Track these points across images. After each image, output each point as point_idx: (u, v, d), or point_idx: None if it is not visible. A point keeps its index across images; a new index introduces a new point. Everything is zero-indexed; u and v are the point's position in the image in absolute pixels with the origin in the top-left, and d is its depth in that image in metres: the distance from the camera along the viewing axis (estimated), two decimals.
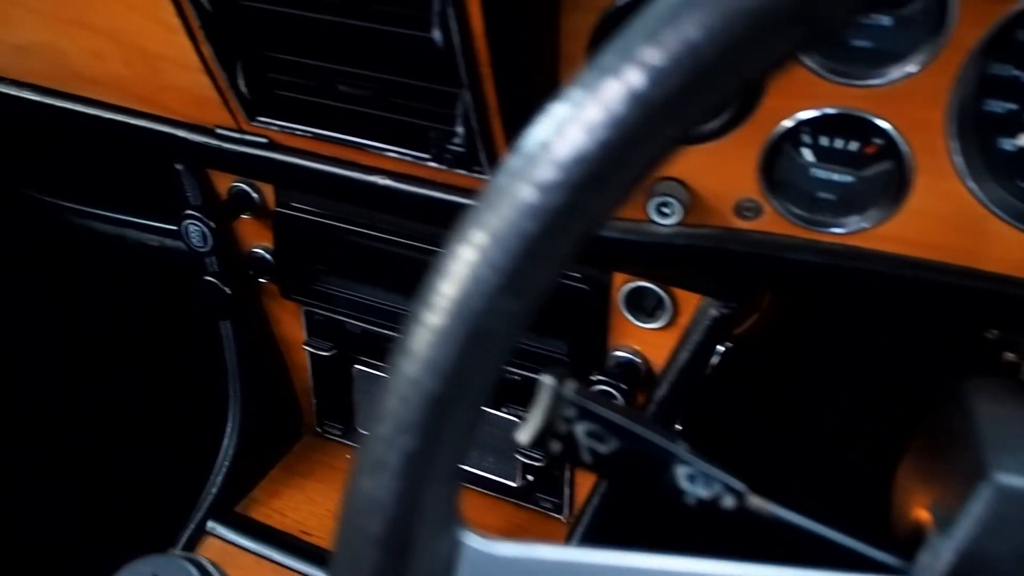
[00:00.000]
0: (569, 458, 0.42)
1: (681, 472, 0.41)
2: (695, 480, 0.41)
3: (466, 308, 0.34)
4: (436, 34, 0.72)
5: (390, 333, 1.10)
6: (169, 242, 1.29)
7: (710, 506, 0.41)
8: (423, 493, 0.37)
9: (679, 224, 0.78)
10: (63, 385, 1.59)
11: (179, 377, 1.43)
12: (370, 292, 1.09)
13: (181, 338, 1.41)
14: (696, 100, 0.33)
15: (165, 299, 1.39)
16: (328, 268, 1.10)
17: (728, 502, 0.41)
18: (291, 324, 1.18)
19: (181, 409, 1.41)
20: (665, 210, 0.78)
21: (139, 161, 1.19)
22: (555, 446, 0.41)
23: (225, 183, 1.10)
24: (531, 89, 0.73)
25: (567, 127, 0.33)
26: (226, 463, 1.17)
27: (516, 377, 1.07)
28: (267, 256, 1.12)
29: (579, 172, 0.33)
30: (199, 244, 1.06)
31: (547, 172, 0.33)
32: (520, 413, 1.09)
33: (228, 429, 1.18)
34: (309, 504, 1.19)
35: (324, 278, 1.11)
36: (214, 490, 1.16)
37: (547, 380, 0.41)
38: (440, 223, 0.92)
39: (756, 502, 0.42)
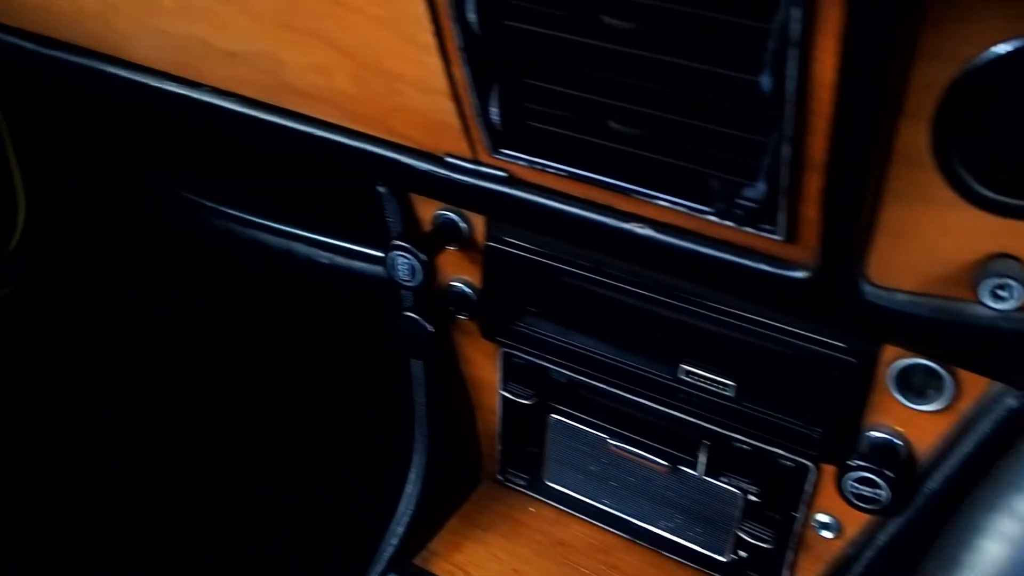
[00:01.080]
0: None
1: None
2: None
3: None
4: (765, 80, 0.61)
5: (599, 385, 0.99)
6: (358, 265, 1.21)
7: None
8: None
9: (1017, 309, 0.66)
10: (240, 412, 1.54)
11: (358, 413, 1.35)
12: (582, 339, 0.99)
13: (363, 371, 1.32)
14: None
15: (348, 327, 1.31)
16: (537, 310, 1.00)
17: None
18: (484, 365, 1.08)
19: (359, 448, 1.33)
20: (1002, 293, 0.66)
21: (332, 180, 1.10)
22: None
23: (428, 210, 1.00)
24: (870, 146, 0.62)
25: None
26: (408, 511, 1.08)
27: (745, 446, 0.95)
28: (468, 291, 1.02)
29: None
30: (405, 278, 0.96)
31: None
32: (742, 484, 0.97)
33: (412, 475, 1.09)
34: (493, 561, 1.09)
35: (531, 320, 1.01)
36: (395, 540, 1.07)
37: None
38: (701, 280, 0.82)
39: None
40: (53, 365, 1.80)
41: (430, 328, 0.99)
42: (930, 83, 0.60)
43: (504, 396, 1.07)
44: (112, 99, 1.10)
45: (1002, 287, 0.66)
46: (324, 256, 1.32)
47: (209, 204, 1.49)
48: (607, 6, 0.66)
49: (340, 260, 1.31)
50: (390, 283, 1.00)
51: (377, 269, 1.24)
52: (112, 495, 1.64)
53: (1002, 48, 0.55)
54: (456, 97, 0.78)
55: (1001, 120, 0.57)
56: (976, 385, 0.82)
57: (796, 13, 0.56)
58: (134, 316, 1.81)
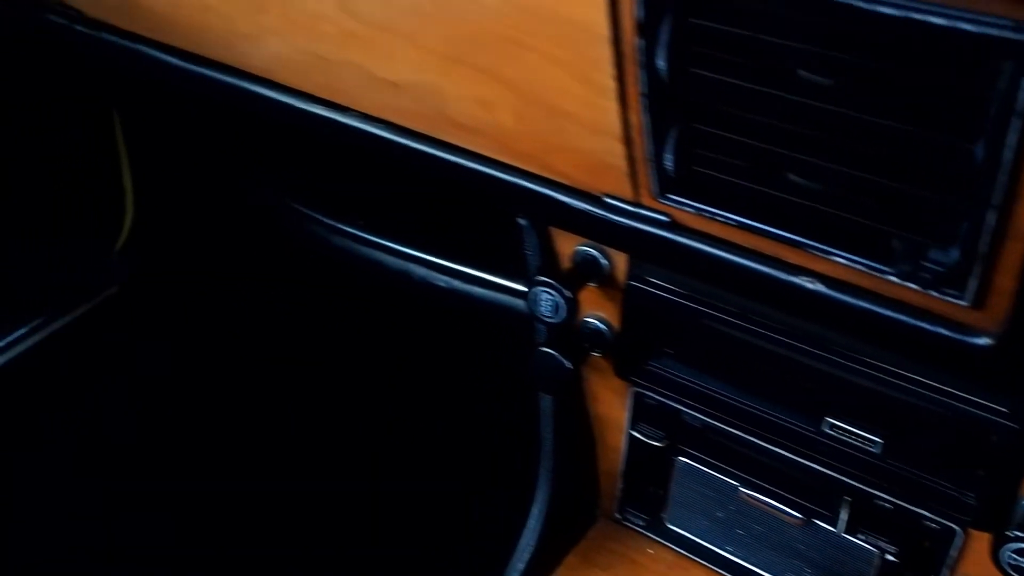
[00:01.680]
0: None
1: None
2: None
3: None
4: (979, 148, 0.59)
5: (735, 432, 0.98)
6: (477, 291, 1.20)
7: None
8: None
9: None
10: (357, 420, 1.55)
11: (479, 443, 1.35)
12: (720, 384, 0.97)
13: (487, 402, 1.32)
14: None
15: (476, 355, 1.31)
16: (676, 352, 0.98)
17: None
18: (613, 403, 1.07)
19: (477, 479, 1.33)
20: None
21: (462, 206, 1.10)
22: None
23: (568, 245, 0.99)
24: None
25: None
26: (530, 547, 1.07)
27: (887, 505, 0.92)
28: (603, 328, 1.01)
29: None
30: (547, 314, 0.95)
31: None
32: (881, 543, 0.94)
33: (535, 510, 1.08)
34: None
35: (667, 361, 0.99)
36: None
37: None
38: (872, 339, 0.80)
39: None
40: (156, 362, 1.82)
41: (568, 365, 0.97)
42: None
43: (632, 436, 1.06)
44: (242, 114, 1.12)
45: None
46: (442, 280, 1.32)
47: (324, 219, 1.50)
48: (807, 61, 0.64)
49: (458, 284, 1.31)
50: (526, 316, 0.99)
51: (499, 296, 1.24)
52: (227, 493, 1.67)
53: None
54: (628, 140, 0.77)
55: None
56: None
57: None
58: (240, 317, 1.83)
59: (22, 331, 1.68)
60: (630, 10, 0.68)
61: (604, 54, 0.71)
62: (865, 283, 0.74)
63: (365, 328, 1.73)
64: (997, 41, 0.54)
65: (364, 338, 1.73)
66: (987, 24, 0.54)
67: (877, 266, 0.71)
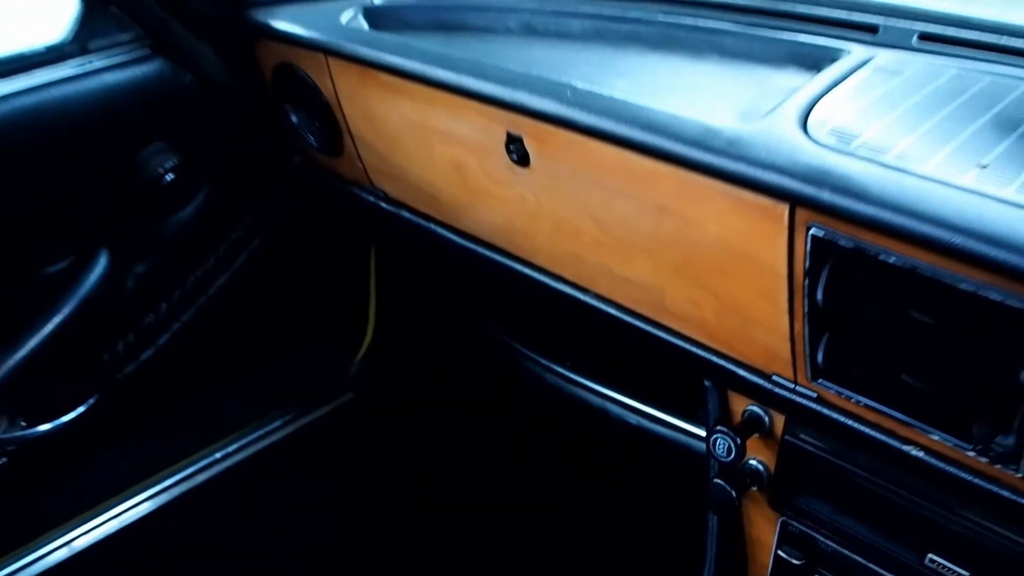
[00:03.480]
0: None
1: None
2: None
3: None
4: (1022, 374, 0.93)
5: (859, 559, 1.29)
6: (660, 430, 1.57)
7: None
8: None
9: None
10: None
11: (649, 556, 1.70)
12: (849, 520, 1.29)
13: (658, 520, 1.67)
14: None
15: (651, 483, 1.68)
16: (816, 492, 1.32)
17: None
18: (764, 528, 1.40)
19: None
20: None
21: (663, 370, 1.48)
22: None
23: (740, 404, 1.35)
24: None
25: None
26: None
27: None
28: (761, 469, 1.35)
29: None
30: (721, 454, 1.31)
31: None
32: None
33: None
34: None
35: (809, 499, 1.32)
36: None
37: None
38: (957, 495, 1.12)
39: None
40: (382, 462, 2.24)
41: (734, 494, 1.32)
42: None
43: (777, 555, 1.38)
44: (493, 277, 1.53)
45: None
46: (633, 418, 1.69)
47: (539, 358, 1.91)
48: (917, 304, 1.00)
49: (645, 423, 1.68)
50: (701, 455, 1.35)
51: (678, 436, 1.60)
52: None
53: None
54: (792, 340, 1.13)
55: None
56: None
57: None
58: (449, 425, 2.24)
59: (278, 422, 2.13)
60: (802, 260, 1.05)
61: (782, 285, 1.09)
62: (953, 454, 1.07)
63: (556, 451, 2.12)
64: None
65: (556, 461, 2.11)
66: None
67: (961, 444, 1.04)
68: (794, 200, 1.01)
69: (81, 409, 1.69)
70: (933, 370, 1.03)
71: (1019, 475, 1.01)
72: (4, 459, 1.63)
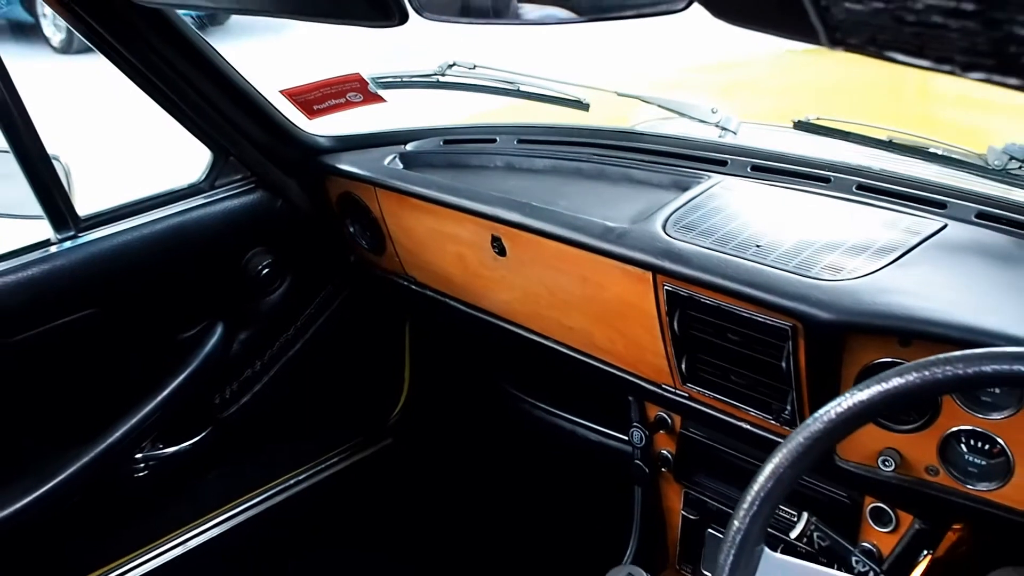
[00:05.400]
0: None
1: None
2: None
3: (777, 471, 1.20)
4: (784, 364, 1.60)
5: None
6: (594, 437, 2.24)
7: None
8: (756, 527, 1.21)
9: (893, 471, 1.58)
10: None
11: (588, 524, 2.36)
12: (726, 486, 1.94)
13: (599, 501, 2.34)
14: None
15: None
16: (704, 469, 1.97)
17: None
18: (672, 497, 2.05)
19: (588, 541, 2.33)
20: (885, 462, 1.58)
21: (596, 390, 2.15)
22: None
23: (653, 411, 2.02)
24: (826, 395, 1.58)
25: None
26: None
27: None
28: (669, 456, 2.01)
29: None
30: (638, 442, 1.98)
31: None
32: None
33: (628, 555, 2.05)
34: None
35: (700, 474, 1.97)
36: None
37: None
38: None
39: None
40: (416, 493, 2.88)
41: (647, 470, 1.98)
42: (849, 374, 1.57)
43: (683, 515, 2.03)
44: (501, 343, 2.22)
45: (885, 461, 1.59)
46: (592, 436, 2.36)
47: (529, 399, 2.58)
48: (728, 328, 1.68)
49: (593, 436, 2.34)
50: (626, 454, 2.02)
51: (611, 443, 2.26)
52: None
53: None
54: (668, 359, 1.81)
55: None
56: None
57: None
58: (474, 466, 2.88)
59: (336, 458, 2.78)
60: (664, 306, 1.73)
61: (656, 323, 1.76)
62: (765, 424, 1.73)
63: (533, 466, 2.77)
64: None
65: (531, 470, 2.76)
66: None
67: (766, 415, 1.71)
68: (655, 270, 1.70)
69: (199, 437, 2.37)
70: (745, 369, 1.70)
71: None
72: (146, 471, 2.32)
